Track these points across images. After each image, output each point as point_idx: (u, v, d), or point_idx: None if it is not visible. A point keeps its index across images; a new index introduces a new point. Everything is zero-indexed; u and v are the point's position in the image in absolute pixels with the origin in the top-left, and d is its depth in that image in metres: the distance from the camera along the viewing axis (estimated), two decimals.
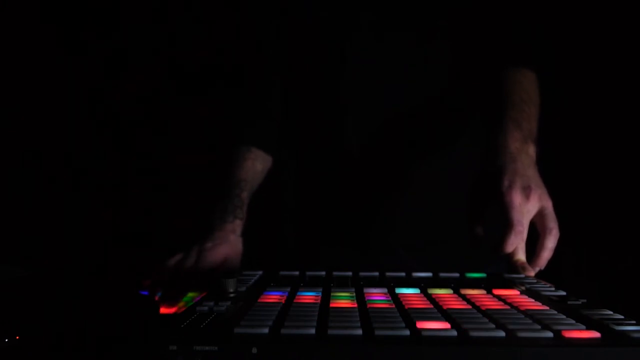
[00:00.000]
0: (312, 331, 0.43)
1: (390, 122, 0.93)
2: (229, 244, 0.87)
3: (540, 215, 0.72)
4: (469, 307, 0.52)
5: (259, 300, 0.54)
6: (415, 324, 0.45)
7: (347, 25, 0.93)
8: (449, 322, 0.45)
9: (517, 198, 0.71)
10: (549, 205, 0.73)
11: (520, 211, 0.70)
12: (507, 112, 0.81)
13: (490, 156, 0.76)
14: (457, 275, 0.71)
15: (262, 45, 1.03)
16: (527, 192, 0.72)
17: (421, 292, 0.60)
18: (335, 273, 0.72)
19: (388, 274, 0.72)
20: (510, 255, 0.70)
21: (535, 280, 0.68)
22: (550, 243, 0.71)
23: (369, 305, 0.52)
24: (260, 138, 1.01)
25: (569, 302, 0.55)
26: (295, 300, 0.54)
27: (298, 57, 0.99)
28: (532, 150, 0.78)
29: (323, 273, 0.72)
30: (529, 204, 0.71)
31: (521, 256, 0.71)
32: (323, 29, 0.95)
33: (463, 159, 0.93)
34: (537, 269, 0.71)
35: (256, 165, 0.99)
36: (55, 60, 1.54)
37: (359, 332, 0.43)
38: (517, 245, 0.70)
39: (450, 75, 0.93)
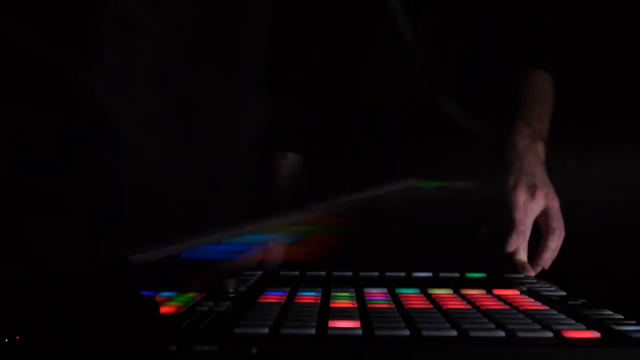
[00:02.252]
0: (312, 331, 0.43)
1: (397, 123, 0.92)
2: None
3: (544, 214, 0.72)
4: (469, 307, 0.52)
5: (259, 300, 0.54)
6: (415, 324, 0.45)
7: (362, 28, 0.92)
8: (449, 322, 0.46)
9: (520, 197, 0.71)
10: (554, 204, 0.72)
11: (523, 210, 0.70)
12: (517, 111, 0.81)
13: (498, 155, 0.76)
14: (457, 275, 0.71)
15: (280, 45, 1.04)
16: (532, 190, 0.71)
17: (421, 292, 0.60)
18: (335, 273, 0.72)
19: (388, 274, 0.72)
20: (512, 255, 0.70)
21: (535, 280, 0.68)
22: (553, 243, 0.70)
23: (369, 305, 0.52)
24: (291, 143, 1.03)
25: (568, 302, 0.55)
26: (295, 300, 0.54)
27: (314, 56, 0.99)
28: (540, 149, 0.77)
29: (323, 273, 0.72)
30: (533, 203, 0.71)
31: (522, 256, 0.71)
32: (338, 32, 0.95)
33: (468, 160, 0.92)
34: (539, 268, 0.71)
35: (293, 169, 1.02)
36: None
37: (359, 332, 0.43)
38: (518, 245, 0.69)
39: (466, 76, 0.93)
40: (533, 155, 0.75)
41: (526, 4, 0.91)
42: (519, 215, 0.69)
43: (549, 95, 0.86)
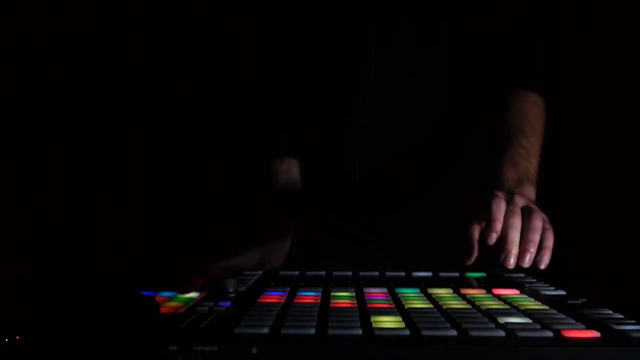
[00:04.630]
0: (312, 331, 0.43)
1: (397, 125, 0.92)
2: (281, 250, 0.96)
3: (527, 210, 0.67)
4: (469, 306, 0.52)
5: (259, 300, 0.54)
6: (415, 324, 0.45)
7: (353, 29, 0.92)
8: (449, 322, 0.45)
9: (497, 201, 0.67)
10: (535, 208, 0.68)
11: (500, 200, 0.67)
12: (504, 148, 0.78)
13: (483, 196, 0.73)
14: (457, 275, 0.71)
15: (270, 71, 1.04)
16: (512, 195, 0.68)
17: (421, 291, 0.60)
18: (335, 273, 0.72)
19: (388, 273, 0.72)
20: (503, 239, 0.66)
21: (535, 280, 0.68)
22: (531, 235, 0.64)
23: (369, 305, 0.52)
24: (287, 148, 1.03)
25: (569, 302, 0.55)
26: (295, 300, 0.54)
27: (306, 79, 0.98)
28: (527, 191, 0.73)
29: (323, 273, 0.72)
30: (515, 202, 0.67)
31: (514, 236, 0.65)
32: (329, 54, 0.94)
33: (470, 161, 0.92)
34: (527, 255, 0.63)
35: (291, 173, 1.03)
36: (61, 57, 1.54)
37: (359, 332, 0.43)
38: (494, 234, 0.65)
39: (453, 99, 0.91)
40: (519, 194, 0.73)
41: (514, 26, 0.89)
42: (494, 209, 0.65)
43: (539, 124, 0.83)
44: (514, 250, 0.63)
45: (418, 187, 0.94)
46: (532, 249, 0.63)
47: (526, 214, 0.66)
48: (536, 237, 0.64)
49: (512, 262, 0.62)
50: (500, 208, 0.66)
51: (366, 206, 0.94)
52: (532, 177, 0.76)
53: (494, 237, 0.64)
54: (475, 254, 0.66)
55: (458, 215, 0.72)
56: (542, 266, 0.63)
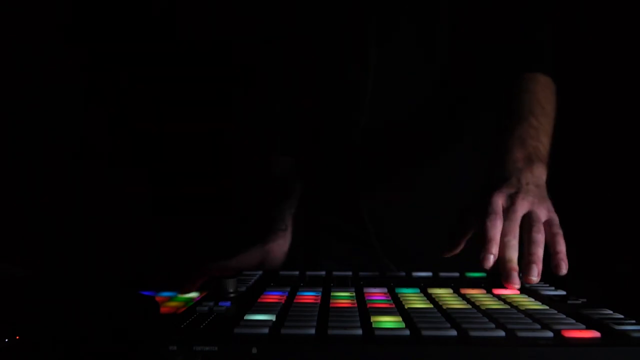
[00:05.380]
0: (312, 331, 0.43)
1: (396, 125, 0.92)
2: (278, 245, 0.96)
3: (528, 218, 0.64)
4: (469, 306, 0.52)
5: (259, 300, 0.54)
6: (415, 323, 0.45)
7: (354, 30, 0.92)
8: (449, 322, 0.45)
9: (497, 201, 0.65)
10: (541, 213, 0.65)
11: (496, 217, 0.64)
12: (512, 128, 0.76)
13: (489, 176, 0.72)
14: (457, 274, 0.71)
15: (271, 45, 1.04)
16: (513, 197, 0.66)
17: (421, 291, 0.60)
18: (335, 273, 0.72)
19: (388, 273, 0.72)
20: (501, 259, 0.63)
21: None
22: (534, 249, 0.62)
23: (368, 305, 0.52)
24: (287, 147, 1.04)
25: (569, 302, 0.55)
26: (295, 300, 0.54)
27: (306, 79, 0.98)
28: (537, 171, 0.70)
29: (323, 273, 0.72)
30: (515, 209, 0.65)
31: (512, 254, 0.62)
32: (331, 33, 0.94)
33: (468, 161, 0.92)
34: (534, 269, 0.61)
35: (291, 173, 1.03)
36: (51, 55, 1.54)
37: (359, 332, 0.43)
38: (491, 255, 0.62)
39: (458, 80, 0.90)
40: (528, 176, 0.70)
41: (522, 10, 0.89)
42: (489, 222, 0.63)
43: (550, 105, 0.81)
44: (514, 268, 0.61)
45: (419, 187, 0.94)
46: (535, 263, 0.61)
47: (526, 225, 0.64)
48: (538, 250, 0.62)
49: (513, 280, 0.61)
50: (495, 226, 0.63)
51: (366, 206, 0.94)
52: (542, 156, 0.74)
53: (490, 260, 0.62)
54: (456, 252, 0.68)
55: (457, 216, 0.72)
56: (562, 272, 0.61)
